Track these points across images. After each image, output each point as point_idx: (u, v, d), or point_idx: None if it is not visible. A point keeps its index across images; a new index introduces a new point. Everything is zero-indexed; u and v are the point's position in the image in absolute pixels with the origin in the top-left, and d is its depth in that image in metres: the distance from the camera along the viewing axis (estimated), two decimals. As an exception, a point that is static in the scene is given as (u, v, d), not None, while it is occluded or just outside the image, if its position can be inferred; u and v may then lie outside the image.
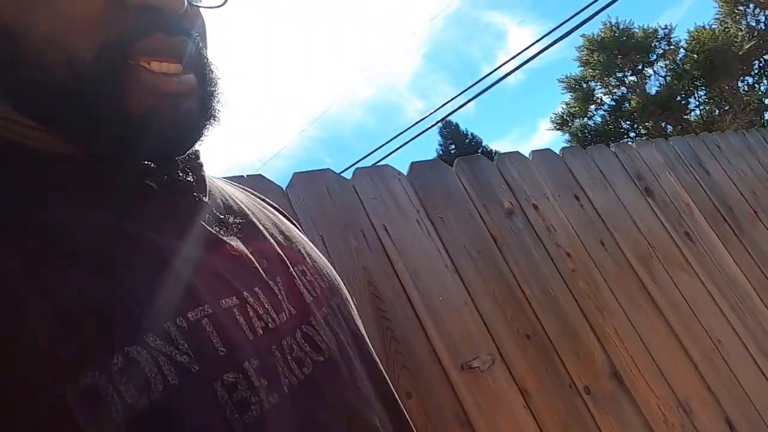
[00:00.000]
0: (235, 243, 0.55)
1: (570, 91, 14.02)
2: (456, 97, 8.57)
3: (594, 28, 20.39)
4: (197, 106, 0.49)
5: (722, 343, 1.82)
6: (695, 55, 12.42)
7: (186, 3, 0.46)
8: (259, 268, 0.54)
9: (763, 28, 12.16)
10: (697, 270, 1.99)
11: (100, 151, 0.47)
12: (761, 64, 12.51)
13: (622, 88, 13.55)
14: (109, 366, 0.37)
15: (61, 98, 0.44)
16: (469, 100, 7.86)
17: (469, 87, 8.73)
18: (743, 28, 12.22)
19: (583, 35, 13.45)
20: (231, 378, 0.43)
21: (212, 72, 0.52)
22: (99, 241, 0.44)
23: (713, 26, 12.73)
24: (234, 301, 0.48)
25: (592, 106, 13.97)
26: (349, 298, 0.65)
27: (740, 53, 11.99)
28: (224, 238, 0.54)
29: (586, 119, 14.03)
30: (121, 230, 0.46)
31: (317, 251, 0.67)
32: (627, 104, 13.43)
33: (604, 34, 13.09)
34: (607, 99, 13.86)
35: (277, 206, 0.76)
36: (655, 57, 13.13)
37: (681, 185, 2.28)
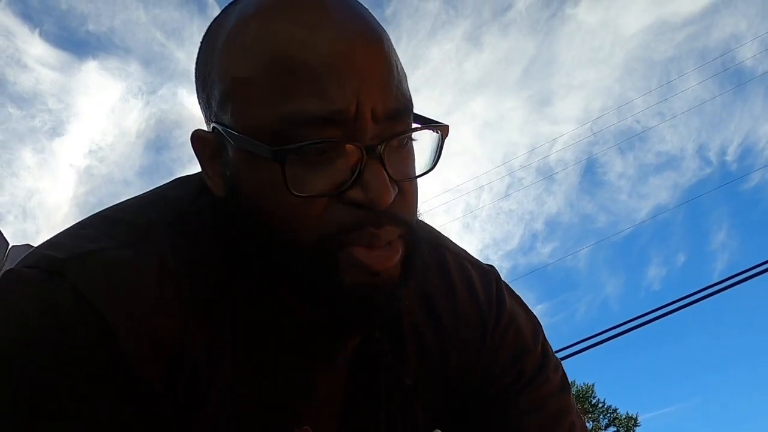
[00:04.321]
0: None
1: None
2: None
3: None
4: (402, 271, 0.54)
5: None
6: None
7: (394, 193, 0.51)
8: None
9: None
10: None
11: (318, 314, 0.57)
12: None
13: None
14: None
15: (288, 272, 0.54)
16: None
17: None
18: None
19: None
20: None
21: (417, 229, 0.56)
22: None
23: None
24: None
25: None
26: None
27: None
28: None
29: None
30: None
31: None
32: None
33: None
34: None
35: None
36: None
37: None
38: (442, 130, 0.55)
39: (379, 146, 0.50)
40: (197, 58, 0.58)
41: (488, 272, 0.72)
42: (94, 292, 0.49)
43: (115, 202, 0.60)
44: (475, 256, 0.74)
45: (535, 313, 0.74)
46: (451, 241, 0.74)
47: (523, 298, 0.75)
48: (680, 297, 6.88)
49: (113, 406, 0.49)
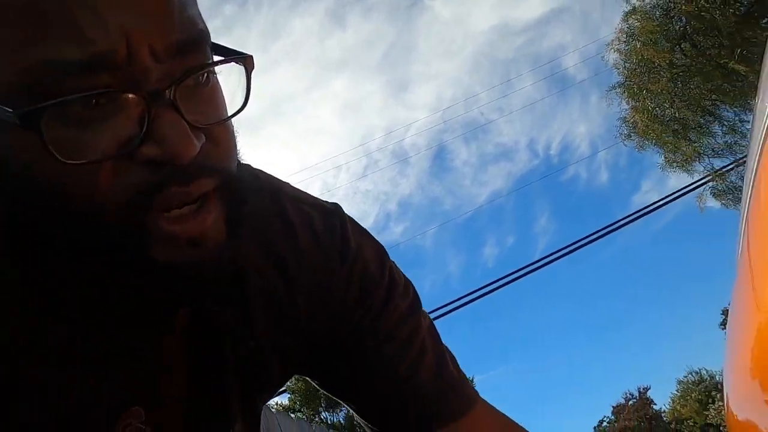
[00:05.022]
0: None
1: None
2: None
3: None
4: (227, 230, 0.47)
5: None
6: None
7: (198, 144, 0.43)
8: None
9: None
10: None
11: (132, 288, 0.49)
12: None
13: None
14: None
15: (92, 247, 0.45)
16: None
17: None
18: None
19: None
20: None
21: (238, 181, 0.49)
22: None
23: None
24: None
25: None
26: None
27: None
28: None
29: None
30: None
31: None
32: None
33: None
34: None
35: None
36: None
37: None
38: (246, 62, 0.47)
39: (167, 90, 0.42)
40: None
41: (332, 212, 0.69)
42: None
43: None
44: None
45: (380, 242, 0.74)
46: (290, 186, 0.70)
47: (368, 230, 0.74)
48: (509, 272, 8.21)
49: None
